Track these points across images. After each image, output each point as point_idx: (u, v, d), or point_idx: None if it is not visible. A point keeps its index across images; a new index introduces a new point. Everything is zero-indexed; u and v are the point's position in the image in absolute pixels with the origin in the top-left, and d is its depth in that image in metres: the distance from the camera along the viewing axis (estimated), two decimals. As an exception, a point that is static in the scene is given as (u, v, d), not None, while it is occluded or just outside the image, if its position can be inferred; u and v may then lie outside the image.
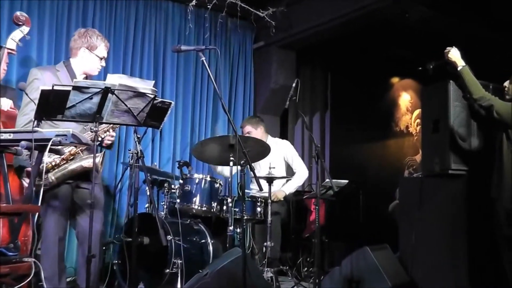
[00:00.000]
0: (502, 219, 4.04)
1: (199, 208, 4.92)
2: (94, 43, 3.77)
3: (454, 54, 4.25)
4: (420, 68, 4.57)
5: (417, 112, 7.93)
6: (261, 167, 5.48)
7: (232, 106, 6.91)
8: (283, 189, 5.52)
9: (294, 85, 4.56)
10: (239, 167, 4.00)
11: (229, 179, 4.50)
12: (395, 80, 8.19)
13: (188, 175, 5.10)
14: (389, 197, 6.66)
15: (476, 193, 4.41)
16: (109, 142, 3.70)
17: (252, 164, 3.63)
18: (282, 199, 5.50)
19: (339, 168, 7.65)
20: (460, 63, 4.22)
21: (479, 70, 4.26)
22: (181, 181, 5.02)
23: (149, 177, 4.98)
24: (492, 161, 4.20)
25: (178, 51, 3.59)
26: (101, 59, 3.82)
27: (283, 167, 5.74)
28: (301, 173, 5.71)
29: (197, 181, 4.96)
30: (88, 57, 3.78)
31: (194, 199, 4.92)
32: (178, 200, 4.94)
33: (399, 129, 8.14)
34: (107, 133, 3.64)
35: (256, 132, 5.59)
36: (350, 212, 6.88)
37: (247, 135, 5.51)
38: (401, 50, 7.22)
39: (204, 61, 3.48)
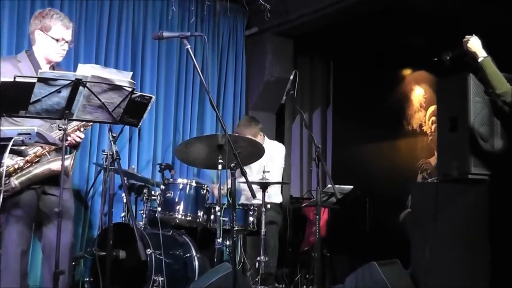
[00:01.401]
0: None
1: (183, 217, 4.92)
2: (48, 23, 3.71)
3: (474, 44, 4.25)
4: (435, 59, 4.57)
5: (432, 108, 7.90)
6: (254, 171, 5.48)
7: (221, 101, 6.91)
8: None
9: (291, 77, 4.58)
10: (228, 171, 3.99)
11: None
12: (406, 72, 8.17)
13: (171, 179, 5.11)
14: (400, 205, 6.66)
15: (499, 201, 4.42)
16: (75, 142, 3.65)
17: (244, 167, 3.63)
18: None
19: (343, 172, 7.65)
20: (481, 53, 4.21)
21: (503, 62, 4.26)
22: (162, 186, 5.02)
23: (126, 182, 4.92)
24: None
25: (159, 38, 3.59)
26: (57, 41, 3.72)
27: (279, 171, 5.75)
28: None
29: (181, 186, 4.97)
30: (43, 40, 3.72)
31: (177, 207, 4.92)
32: (159, 209, 4.94)
33: (411, 128, 8.10)
34: (76, 133, 3.60)
35: (257, 139, 5.59)
36: (355, 222, 6.89)
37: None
38: (413, 38, 7.22)
39: (189, 49, 3.49)
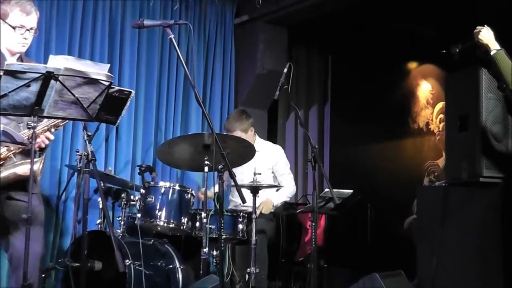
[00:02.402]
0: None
1: (165, 224, 4.91)
2: (5, 9, 3.65)
3: (486, 35, 4.26)
4: (443, 51, 4.58)
5: (440, 105, 7.91)
6: (244, 174, 5.48)
7: (208, 96, 6.92)
8: (272, 198, 5.53)
9: (285, 70, 4.59)
10: (215, 174, 3.99)
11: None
12: (412, 65, 8.18)
13: (152, 183, 5.10)
14: (405, 211, 6.68)
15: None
16: (43, 145, 3.62)
17: (233, 169, 3.63)
18: (272, 210, 5.50)
19: (342, 174, 7.67)
20: (494, 46, 4.22)
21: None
22: (142, 190, 5.01)
23: (102, 186, 4.94)
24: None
25: (139, 27, 3.59)
26: (16, 28, 3.66)
27: (271, 176, 5.76)
28: (289, 189, 5.77)
29: (163, 190, 4.96)
30: (2, 28, 3.66)
31: (159, 214, 4.91)
32: (138, 215, 4.93)
33: (417, 127, 8.11)
34: (46, 134, 3.56)
35: (247, 136, 5.60)
36: (355, 229, 6.90)
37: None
38: (420, 27, 7.24)
39: (173, 39, 3.50)
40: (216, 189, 4.31)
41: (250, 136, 5.65)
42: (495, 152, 4.54)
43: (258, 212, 5.05)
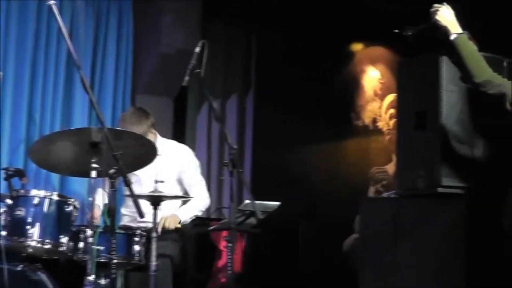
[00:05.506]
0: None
1: (39, 245, 4.81)
2: None
3: (445, 16, 4.34)
4: (396, 31, 4.62)
5: (391, 98, 8.07)
6: (143, 181, 5.43)
7: (97, 80, 6.92)
8: (178, 213, 5.49)
9: (198, 50, 4.56)
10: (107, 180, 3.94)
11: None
12: (357, 47, 8.32)
13: (22, 191, 5.00)
14: (346, 228, 6.75)
15: (479, 223, 4.54)
16: None
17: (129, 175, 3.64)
18: (179, 226, 5.46)
19: (267, 182, 7.72)
20: (454, 29, 4.30)
21: (488, 39, 4.35)
22: (9, 201, 4.88)
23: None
24: (505, 175, 4.28)
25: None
26: None
27: (176, 185, 5.72)
28: (201, 201, 5.74)
29: (36, 201, 4.86)
30: None
31: (30, 231, 4.80)
32: (3, 233, 4.78)
33: (362, 124, 8.26)
34: None
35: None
36: (283, 252, 6.93)
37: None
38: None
39: (54, 6, 3.45)
40: (107, 200, 4.24)
41: (150, 137, 5.61)
42: (457, 157, 4.65)
43: (159, 228, 4.99)
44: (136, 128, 5.63)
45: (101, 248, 4.79)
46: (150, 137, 5.66)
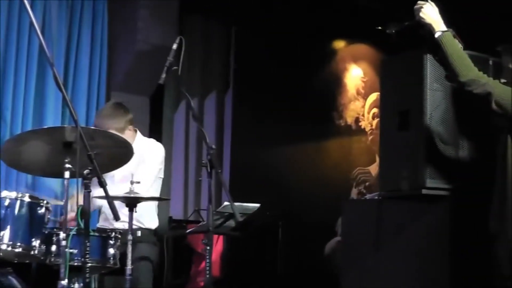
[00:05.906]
0: (505, 264, 4.15)
1: (9, 248, 4.75)
2: None
3: (430, 13, 4.36)
4: (379, 28, 4.63)
5: (374, 97, 8.10)
6: (117, 181, 5.41)
7: (71, 77, 6.89)
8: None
9: (175, 46, 4.56)
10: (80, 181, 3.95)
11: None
12: (339, 44, 8.33)
13: (-9, 193, 4.95)
14: (327, 231, 6.75)
15: (464, 225, 4.55)
16: None
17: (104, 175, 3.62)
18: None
19: (247, 183, 7.71)
20: (439, 27, 4.33)
21: (473, 38, 4.36)
22: (-23, 203, 4.84)
23: None
24: (490, 177, 4.30)
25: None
26: None
27: (154, 182, 5.70)
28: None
29: (6, 202, 4.81)
30: None
31: (1, 234, 4.74)
32: (-28, 236, 4.75)
33: (344, 123, 8.28)
34: None
35: (124, 136, 5.52)
36: (262, 255, 6.94)
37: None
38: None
39: (25, 1, 3.44)
40: (81, 201, 4.22)
41: (128, 136, 5.59)
42: (441, 158, 4.67)
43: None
44: (113, 122, 5.61)
45: (75, 251, 4.78)
46: (128, 134, 5.65)
